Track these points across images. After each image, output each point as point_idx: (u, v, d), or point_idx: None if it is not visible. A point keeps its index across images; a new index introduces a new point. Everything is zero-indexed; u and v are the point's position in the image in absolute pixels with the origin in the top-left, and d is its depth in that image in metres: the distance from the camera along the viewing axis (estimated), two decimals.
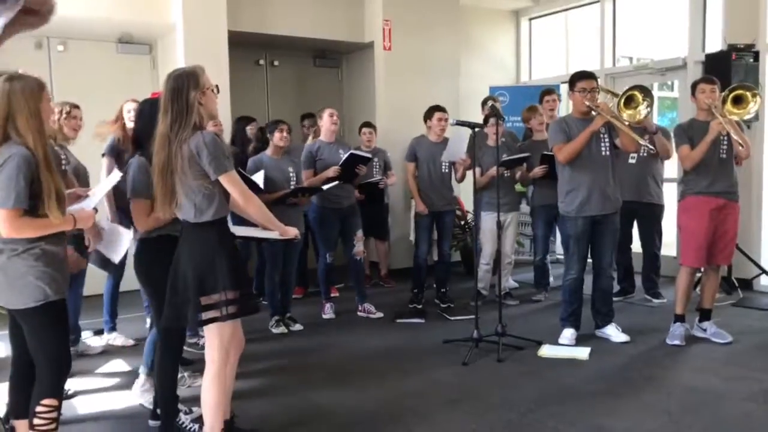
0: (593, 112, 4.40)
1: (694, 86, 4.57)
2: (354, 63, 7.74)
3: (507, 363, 4.18)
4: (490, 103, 4.61)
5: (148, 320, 3.68)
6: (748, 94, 4.40)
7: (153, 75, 6.51)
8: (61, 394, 2.65)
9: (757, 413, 3.31)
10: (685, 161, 4.44)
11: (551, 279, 6.15)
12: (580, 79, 4.52)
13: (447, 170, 5.55)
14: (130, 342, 4.74)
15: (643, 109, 4.48)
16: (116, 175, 3.16)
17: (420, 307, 5.54)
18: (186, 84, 2.67)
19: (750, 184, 5.94)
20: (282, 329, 5.03)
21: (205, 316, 2.68)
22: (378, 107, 7.14)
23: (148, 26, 6.11)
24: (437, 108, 5.58)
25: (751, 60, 5.63)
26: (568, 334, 4.59)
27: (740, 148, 4.37)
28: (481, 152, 5.47)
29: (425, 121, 5.62)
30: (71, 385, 3.78)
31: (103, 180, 2.98)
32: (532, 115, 5.81)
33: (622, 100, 4.52)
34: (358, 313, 5.55)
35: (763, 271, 5.76)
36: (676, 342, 4.46)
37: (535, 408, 3.44)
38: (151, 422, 3.27)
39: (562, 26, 8.19)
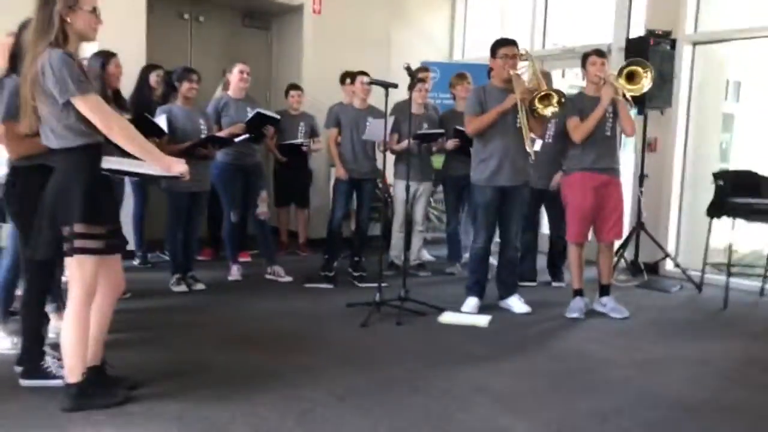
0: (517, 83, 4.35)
1: (584, 59, 4.61)
2: (284, 26, 7.54)
3: (405, 327, 4.15)
4: (405, 64, 4.51)
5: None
6: (641, 70, 4.48)
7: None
8: None
9: (636, 378, 3.37)
10: (575, 133, 4.47)
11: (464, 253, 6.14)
12: (502, 45, 4.50)
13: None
14: None
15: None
16: None
17: (331, 274, 5.45)
18: None
19: (661, 168, 6.09)
20: (183, 287, 4.87)
21: (64, 247, 2.52)
22: (305, 72, 6.99)
23: None
24: (361, 72, 5.48)
25: (668, 47, 5.73)
26: (471, 302, 4.59)
27: (626, 124, 4.46)
28: (402, 117, 5.40)
29: (344, 85, 5.50)
30: None
31: None
32: (459, 82, 5.75)
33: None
34: (266, 276, 5.42)
35: (667, 255, 5.91)
36: (575, 315, 4.53)
37: (422, 367, 3.41)
38: (16, 368, 3.07)
39: (496, 7, 8.19)
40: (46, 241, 2.55)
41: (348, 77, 5.87)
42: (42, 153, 2.78)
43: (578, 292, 4.63)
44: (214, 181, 5.20)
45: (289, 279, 5.38)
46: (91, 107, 2.50)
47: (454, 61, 8.12)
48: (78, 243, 2.53)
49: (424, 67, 5.98)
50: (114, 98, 4.29)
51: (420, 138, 5.33)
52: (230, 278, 5.32)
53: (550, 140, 5.25)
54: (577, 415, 2.88)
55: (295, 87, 6.30)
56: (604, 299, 4.69)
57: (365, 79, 5.30)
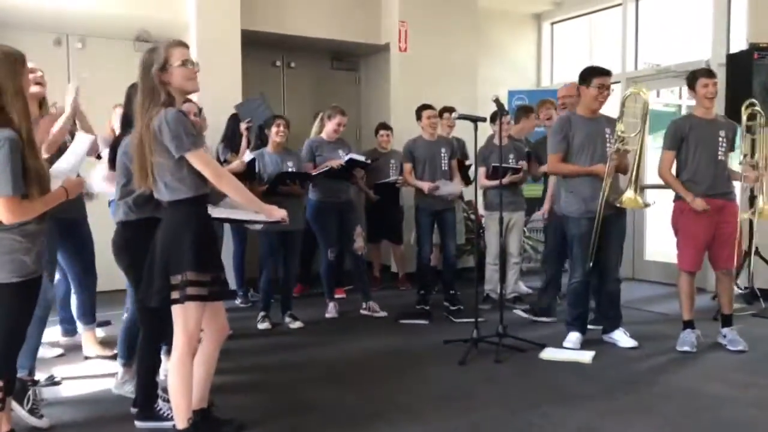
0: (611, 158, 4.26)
1: (693, 80, 4.34)
2: (371, 65, 7.72)
3: (505, 364, 4.05)
4: (494, 96, 4.48)
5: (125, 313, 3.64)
6: None
7: None
8: (9, 374, 2.62)
9: (760, 419, 3.13)
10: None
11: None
12: (599, 74, 4.33)
13: (446, 168, 5.46)
14: None
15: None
16: (85, 137, 3.08)
17: (426, 308, 5.43)
18: (151, 61, 2.65)
19: None
20: (266, 325, 4.98)
21: (172, 296, 2.64)
22: (393, 109, 7.10)
23: (163, 24, 6.18)
24: (425, 107, 5.54)
25: None
26: (573, 337, 4.42)
27: None
28: (487, 151, 5.38)
29: (418, 120, 5.54)
30: (60, 372, 3.80)
31: (74, 147, 2.96)
32: (540, 107, 5.66)
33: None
34: (361, 312, 5.46)
35: None
36: (686, 348, 4.27)
37: (526, 407, 3.31)
38: (133, 410, 3.23)
39: (584, 30, 8.05)
40: (157, 290, 2.68)
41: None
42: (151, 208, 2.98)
43: (688, 324, 4.37)
44: (309, 219, 5.34)
45: (384, 314, 5.41)
46: (199, 160, 2.64)
47: (542, 88, 8.02)
48: (189, 290, 2.64)
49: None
50: None
51: (499, 172, 5.23)
52: (327, 315, 5.40)
53: None
54: None
55: (384, 126, 6.41)
56: (725, 330, 4.41)
57: (434, 113, 5.35)
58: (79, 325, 4.33)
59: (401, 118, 6.88)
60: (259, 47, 6.81)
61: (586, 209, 4.31)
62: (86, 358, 4.24)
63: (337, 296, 5.72)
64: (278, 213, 2.87)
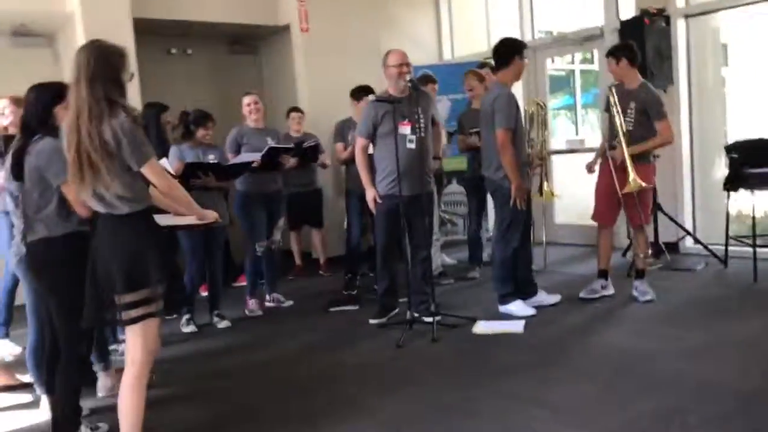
0: None
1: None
2: (271, 48, 7.50)
3: (442, 343, 4.08)
4: (408, 77, 4.46)
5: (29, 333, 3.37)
6: None
7: (55, 70, 6.08)
8: None
9: (686, 370, 3.32)
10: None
11: (485, 254, 6.09)
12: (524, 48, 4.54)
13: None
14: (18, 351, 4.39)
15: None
16: None
17: (354, 293, 5.40)
18: (119, 59, 2.50)
19: (671, 146, 6.00)
20: (192, 328, 4.79)
21: (131, 314, 2.49)
22: (299, 92, 6.95)
23: (45, 16, 5.71)
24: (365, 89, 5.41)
25: (663, 24, 5.69)
26: (519, 305, 4.54)
27: None
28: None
29: (356, 102, 5.45)
30: None
31: None
32: (466, 78, 5.71)
33: None
34: (267, 304, 5.31)
35: (687, 233, 5.87)
36: (590, 296, 4.72)
37: (468, 386, 3.35)
38: None
39: (480, 2, 8.13)
40: (111, 308, 2.52)
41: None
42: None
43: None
44: (236, 211, 5.14)
45: (290, 303, 5.33)
46: (154, 171, 2.53)
47: (444, 62, 8.07)
48: (152, 306, 2.53)
49: (431, 78, 5.88)
50: None
51: None
52: (248, 312, 5.17)
53: None
54: (640, 419, 2.83)
55: (295, 109, 6.25)
56: (636, 282, 4.70)
57: (370, 97, 5.24)
58: None
59: (308, 99, 6.76)
60: (153, 35, 6.44)
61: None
62: None
63: (239, 284, 5.61)
64: (210, 215, 2.90)
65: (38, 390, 3.34)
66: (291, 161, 5.30)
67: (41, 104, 2.90)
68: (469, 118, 5.62)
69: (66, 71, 4.94)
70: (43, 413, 3.25)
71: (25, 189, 2.89)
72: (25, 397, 3.59)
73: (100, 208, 2.56)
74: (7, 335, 4.48)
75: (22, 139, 2.94)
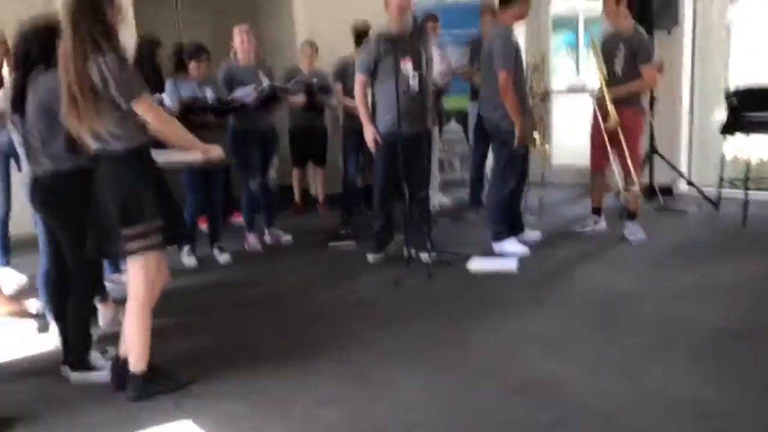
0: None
1: None
2: None
3: (437, 279, 4.20)
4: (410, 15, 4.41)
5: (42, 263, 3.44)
6: None
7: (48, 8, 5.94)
8: None
9: (671, 310, 3.45)
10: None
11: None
12: None
13: None
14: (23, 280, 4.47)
15: None
16: None
17: (349, 231, 5.46)
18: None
19: (670, 89, 6.03)
20: (193, 261, 4.86)
21: (130, 247, 2.58)
22: (297, 24, 6.83)
23: None
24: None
25: None
26: (513, 243, 4.65)
27: None
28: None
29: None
30: None
31: None
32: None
33: None
34: (265, 239, 5.37)
35: (681, 175, 5.94)
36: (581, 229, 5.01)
37: (462, 321, 3.48)
38: (64, 366, 3.10)
39: None
40: (116, 241, 2.61)
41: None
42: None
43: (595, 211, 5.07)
44: (229, 148, 5.13)
45: (288, 238, 5.40)
46: (146, 108, 2.56)
47: (447, 1, 7.91)
48: (151, 240, 2.61)
49: (432, 16, 5.80)
50: None
51: None
52: (247, 248, 5.24)
53: None
54: (626, 353, 2.97)
55: (308, 43, 6.02)
56: (628, 223, 4.84)
57: (372, 33, 5.13)
58: None
59: (307, 34, 6.63)
60: None
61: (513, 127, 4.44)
62: None
63: (237, 220, 5.68)
64: (215, 151, 2.87)
65: (48, 317, 3.45)
66: (299, 100, 5.26)
67: (42, 36, 2.88)
68: (477, 49, 5.50)
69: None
70: (53, 339, 3.37)
71: (28, 122, 2.91)
72: (32, 324, 3.70)
73: (96, 145, 2.62)
74: (8, 263, 4.55)
75: (22, 71, 2.95)
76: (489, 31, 5.46)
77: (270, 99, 4.98)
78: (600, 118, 4.69)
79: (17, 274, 4.51)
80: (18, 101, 2.93)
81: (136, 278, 2.69)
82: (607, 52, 4.71)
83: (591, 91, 4.90)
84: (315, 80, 5.75)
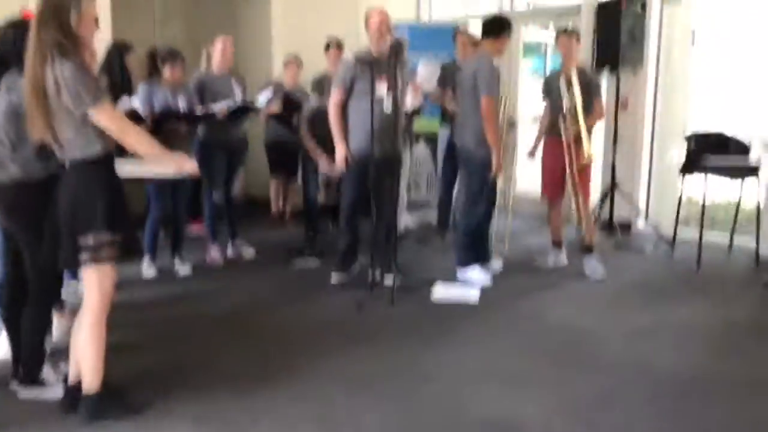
0: None
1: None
2: None
3: (400, 306, 4.20)
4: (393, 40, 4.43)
5: None
6: None
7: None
8: None
9: (628, 351, 3.53)
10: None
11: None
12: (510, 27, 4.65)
13: None
14: None
15: None
16: None
17: (313, 250, 5.43)
18: (67, 6, 2.47)
19: (634, 127, 6.19)
20: (152, 272, 4.79)
21: (82, 257, 2.54)
22: (274, 39, 6.82)
23: None
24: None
25: (640, 9, 5.78)
26: (478, 272, 4.68)
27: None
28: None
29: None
30: None
31: None
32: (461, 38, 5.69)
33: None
34: (228, 253, 5.33)
35: (640, 213, 6.09)
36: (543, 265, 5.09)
37: (425, 351, 3.50)
38: (13, 381, 2.99)
39: None
40: (68, 252, 2.56)
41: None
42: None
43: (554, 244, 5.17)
44: (196, 157, 5.05)
45: (251, 251, 5.37)
46: (105, 116, 2.50)
47: (421, 23, 8.01)
48: (97, 253, 2.55)
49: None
50: None
51: None
52: (209, 260, 5.18)
53: None
54: (583, 395, 3.02)
55: (293, 59, 5.97)
56: (586, 258, 4.94)
57: (349, 54, 5.14)
58: None
59: (284, 47, 6.62)
60: None
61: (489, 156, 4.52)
62: None
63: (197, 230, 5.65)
64: (187, 165, 2.79)
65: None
66: (274, 108, 5.26)
67: (18, 38, 2.81)
68: (450, 73, 5.55)
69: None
70: (2, 351, 3.25)
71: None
72: None
73: (57, 151, 2.58)
74: None
75: None
76: (466, 56, 5.56)
77: (240, 111, 4.95)
78: (572, 152, 4.76)
79: None
80: None
81: (90, 290, 2.64)
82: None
83: (561, 117, 4.85)
84: (298, 95, 5.74)
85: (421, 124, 6.52)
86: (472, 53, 5.47)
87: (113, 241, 2.58)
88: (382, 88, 4.39)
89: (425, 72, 5.30)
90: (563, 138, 4.78)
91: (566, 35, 4.88)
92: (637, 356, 3.46)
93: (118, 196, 2.66)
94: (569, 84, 4.78)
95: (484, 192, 4.62)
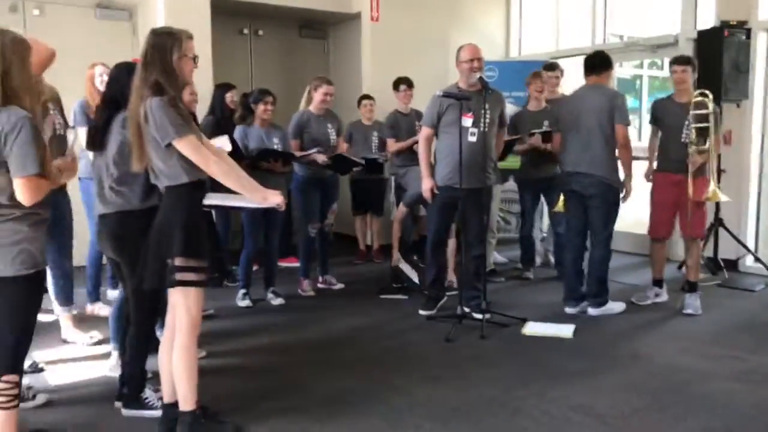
0: None
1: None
2: (341, 34, 7.58)
3: (490, 340, 4.12)
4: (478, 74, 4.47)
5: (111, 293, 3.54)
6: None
7: (133, 41, 6.31)
8: (21, 370, 2.58)
9: (740, 393, 3.28)
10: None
11: (537, 258, 6.09)
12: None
13: None
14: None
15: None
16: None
17: (402, 285, 5.44)
18: (170, 44, 2.64)
19: (739, 162, 5.88)
20: (247, 302, 4.93)
21: (176, 278, 2.64)
22: (365, 80, 7.01)
23: None
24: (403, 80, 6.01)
25: (744, 37, 5.54)
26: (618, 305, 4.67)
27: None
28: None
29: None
30: (40, 357, 3.71)
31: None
32: (533, 81, 5.66)
33: None
34: (319, 285, 5.45)
35: (748, 251, 5.73)
36: (641, 302, 4.87)
37: (515, 385, 3.39)
38: (117, 403, 3.14)
39: (552, 2, 8.04)
40: (150, 272, 2.67)
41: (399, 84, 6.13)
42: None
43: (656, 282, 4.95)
44: (293, 193, 5.25)
45: (341, 286, 5.46)
46: (189, 147, 2.61)
47: (510, 59, 8.02)
48: (179, 276, 2.64)
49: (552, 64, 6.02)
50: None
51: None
52: (301, 292, 5.30)
53: None
54: None
55: (367, 97, 6.32)
56: (686, 295, 4.69)
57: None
58: (56, 306, 4.19)
59: (372, 89, 6.81)
60: (227, 15, 6.60)
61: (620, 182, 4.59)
62: (65, 341, 4.13)
63: (290, 264, 5.82)
64: (274, 198, 2.78)
65: (112, 346, 3.53)
66: (344, 147, 5.60)
67: (126, 81, 3.02)
68: (523, 120, 5.62)
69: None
70: (112, 368, 3.48)
71: (105, 160, 3.03)
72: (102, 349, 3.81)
73: (153, 180, 2.75)
74: (98, 299, 4.69)
75: (107, 112, 3.08)
76: (554, 94, 5.56)
77: (344, 165, 5.25)
78: (690, 180, 4.56)
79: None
80: (98, 138, 3.05)
81: (178, 313, 2.71)
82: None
83: (691, 150, 4.59)
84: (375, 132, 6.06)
85: (507, 162, 6.45)
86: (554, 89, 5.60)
87: (194, 267, 2.66)
88: (467, 121, 4.41)
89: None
90: (687, 172, 4.57)
91: (680, 64, 4.71)
92: (749, 398, 3.20)
93: (199, 224, 2.73)
94: (698, 114, 4.56)
95: (615, 219, 4.59)
